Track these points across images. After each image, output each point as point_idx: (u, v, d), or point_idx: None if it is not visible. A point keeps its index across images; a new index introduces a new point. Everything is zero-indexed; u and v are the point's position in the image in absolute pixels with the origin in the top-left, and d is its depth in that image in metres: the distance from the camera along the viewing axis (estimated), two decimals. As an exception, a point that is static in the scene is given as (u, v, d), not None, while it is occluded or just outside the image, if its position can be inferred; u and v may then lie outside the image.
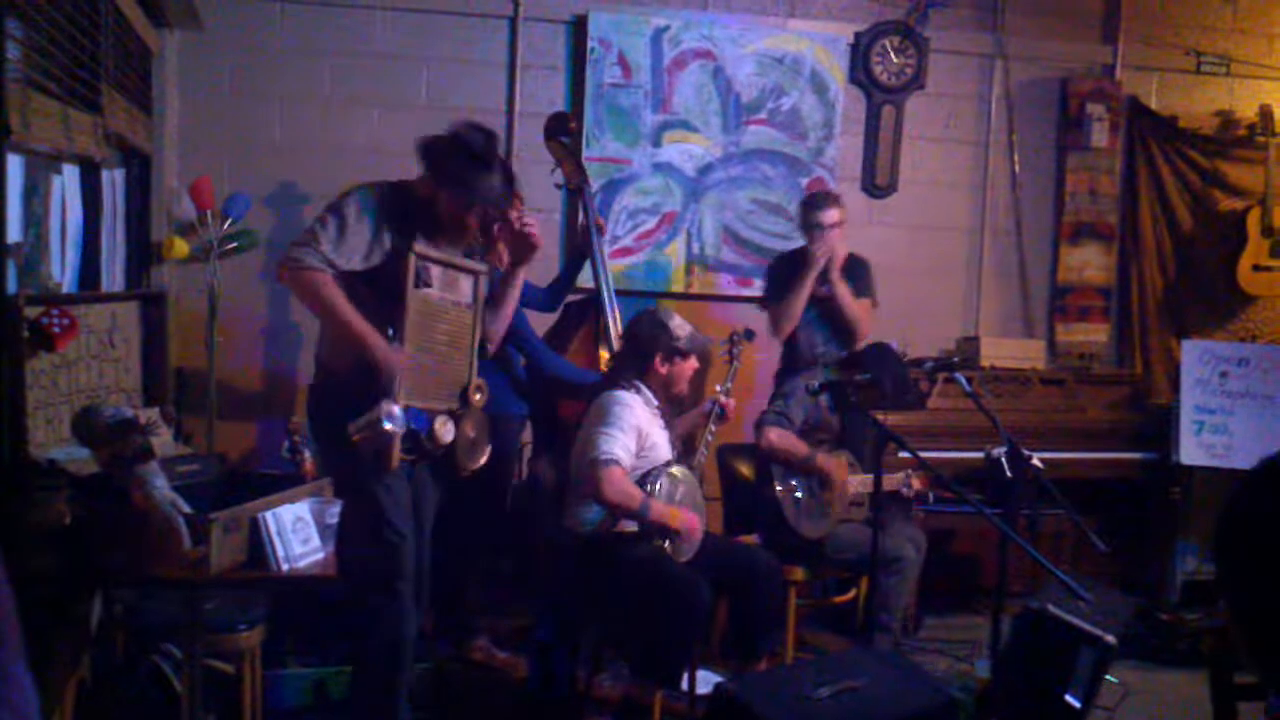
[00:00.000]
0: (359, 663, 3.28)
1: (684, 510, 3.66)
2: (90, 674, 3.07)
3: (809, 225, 4.64)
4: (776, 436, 4.16)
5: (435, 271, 3.19)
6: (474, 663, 4.28)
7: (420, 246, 3.11)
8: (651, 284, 5.41)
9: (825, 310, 4.65)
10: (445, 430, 3.18)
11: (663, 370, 3.76)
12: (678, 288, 5.44)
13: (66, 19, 3.34)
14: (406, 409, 3.06)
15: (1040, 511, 4.62)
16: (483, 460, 3.37)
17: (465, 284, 3.29)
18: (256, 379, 5.15)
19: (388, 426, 2.97)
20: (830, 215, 4.60)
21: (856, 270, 4.75)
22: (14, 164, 2.99)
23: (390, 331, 3.05)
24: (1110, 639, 3.15)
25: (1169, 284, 5.95)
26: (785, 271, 4.72)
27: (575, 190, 4.66)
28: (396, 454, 3.06)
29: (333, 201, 3.12)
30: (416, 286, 3.12)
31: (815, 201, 4.68)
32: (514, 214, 3.47)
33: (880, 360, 4.14)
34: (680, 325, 3.79)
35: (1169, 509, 5.20)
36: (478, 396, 3.30)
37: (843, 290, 4.62)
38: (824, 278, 4.60)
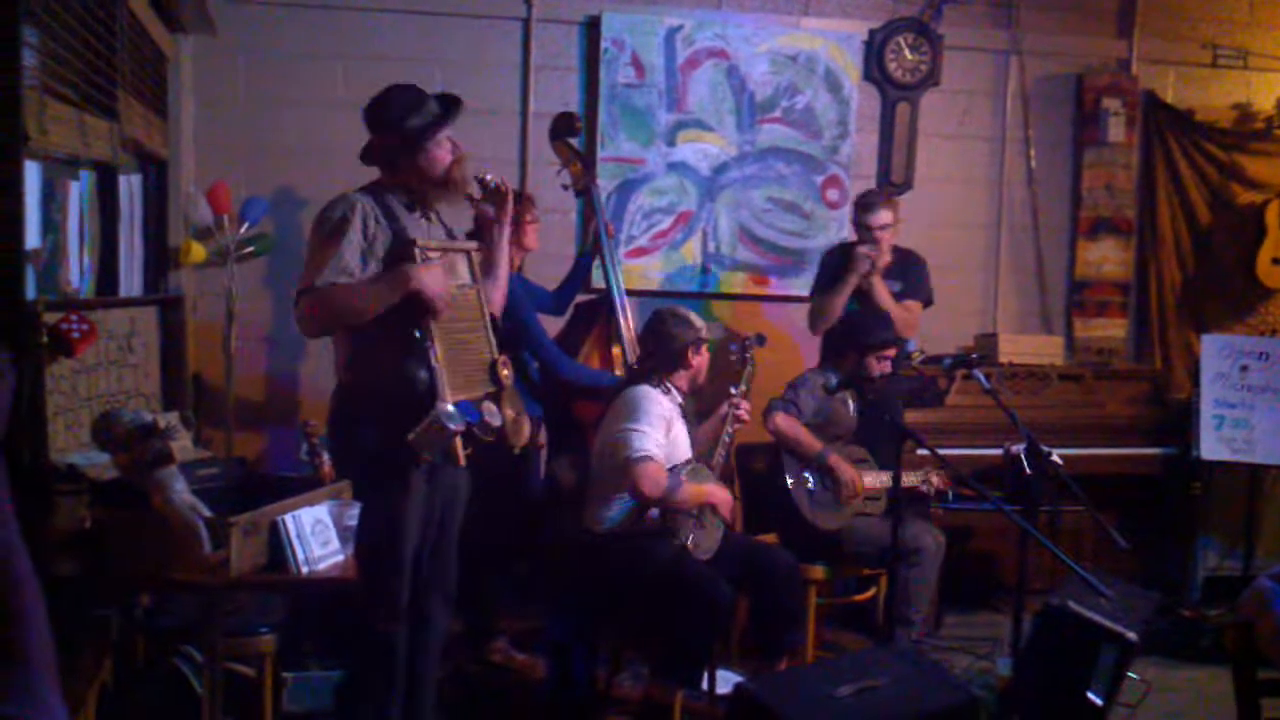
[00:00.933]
0: (348, 677, 3.26)
1: (710, 485, 3.69)
2: (111, 678, 3.08)
3: (859, 225, 4.63)
4: (782, 421, 4.18)
5: (438, 260, 3.16)
6: (493, 664, 4.28)
7: (420, 239, 3.08)
8: (668, 284, 5.40)
9: (868, 307, 4.61)
10: (493, 415, 3.15)
11: (695, 361, 3.83)
12: (694, 287, 5.44)
13: (82, 25, 3.36)
14: (458, 403, 3.02)
15: (1060, 508, 4.60)
16: (527, 435, 3.34)
17: (462, 264, 3.26)
18: (272, 382, 5.17)
19: (450, 426, 2.95)
20: (880, 218, 4.58)
21: (910, 268, 4.74)
22: (31, 170, 3.00)
23: (417, 334, 3.01)
24: (1132, 636, 3.14)
25: (1187, 278, 5.91)
26: (835, 264, 4.71)
27: (582, 191, 4.66)
28: (461, 452, 3.03)
29: (313, 225, 3.07)
30: None
31: (865, 202, 4.66)
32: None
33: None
34: (695, 317, 3.88)
35: (1190, 505, 5.17)
36: (505, 372, 3.25)
37: (882, 292, 4.60)
38: (866, 277, 4.58)
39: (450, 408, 2.97)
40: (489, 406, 3.14)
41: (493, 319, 3.30)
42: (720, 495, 3.73)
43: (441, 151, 3.13)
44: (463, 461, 3.04)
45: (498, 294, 3.41)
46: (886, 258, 4.61)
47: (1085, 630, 3.22)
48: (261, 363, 5.14)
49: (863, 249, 4.55)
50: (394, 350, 3.03)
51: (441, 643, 3.37)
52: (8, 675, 1.04)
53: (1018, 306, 5.85)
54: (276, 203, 5.04)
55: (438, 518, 3.23)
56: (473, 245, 3.32)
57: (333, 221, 3.01)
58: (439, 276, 3.02)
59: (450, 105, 3.19)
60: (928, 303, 4.77)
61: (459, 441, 3.01)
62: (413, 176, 3.15)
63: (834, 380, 4.06)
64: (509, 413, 3.24)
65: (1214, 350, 5.03)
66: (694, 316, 3.87)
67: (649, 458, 3.54)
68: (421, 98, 3.17)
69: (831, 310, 4.59)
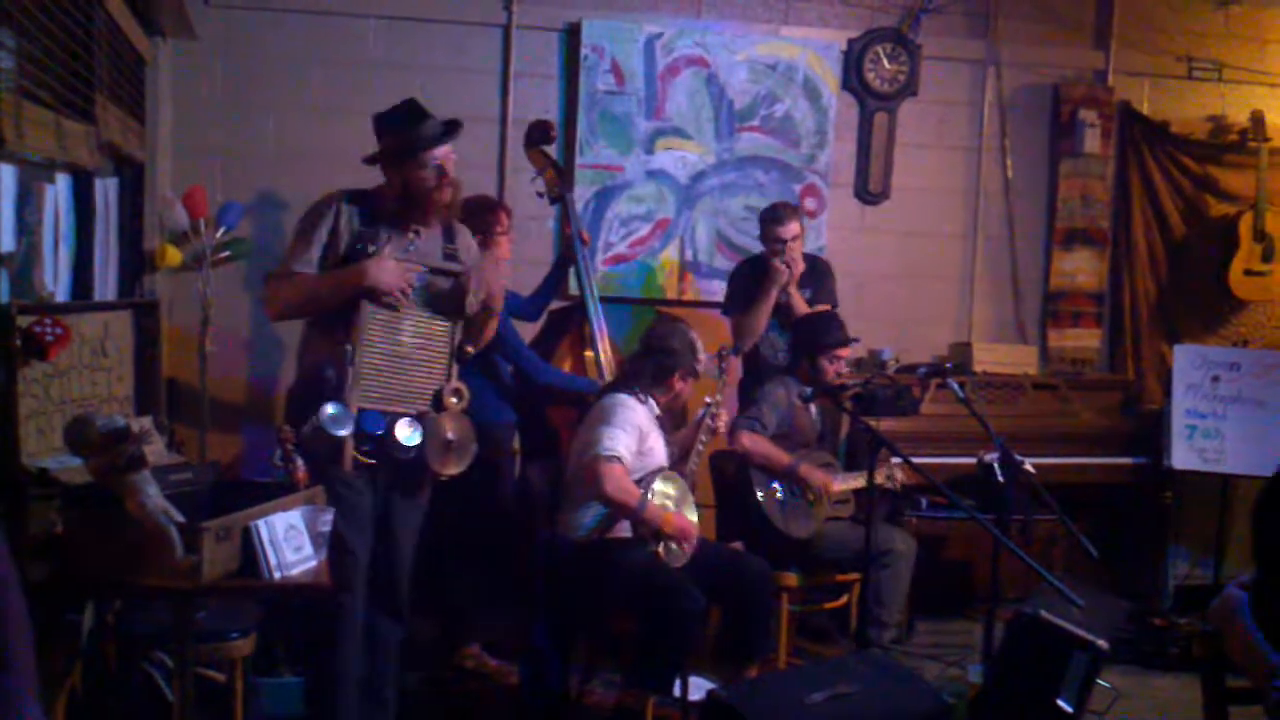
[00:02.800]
0: (307, 669, 3.35)
1: (679, 515, 3.68)
2: (81, 684, 3.06)
3: (769, 239, 4.65)
4: (749, 440, 4.18)
5: (390, 255, 3.19)
6: (465, 670, 4.28)
7: (388, 249, 3.13)
8: (645, 291, 5.42)
9: (784, 318, 4.67)
10: (407, 433, 3.18)
11: (678, 386, 3.85)
12: (671, 294, 5.45)
13: (59, 28, 3.34)
14: (361, 411, 3.09)
15: (1032, 517, 4.63)
16: (462, 466, 3.35)
17: (443, 286, 3.29)
18: (245, 387, 5.16)
19: (331, 430, 3.00)
20: (790, 229, 4.61)
21: (818, 275, 4.80)
22: (6, 173, 2.99)
23: (346, 344, 3.10)
24: (1102, 644, 3.17)
25: (1161, 289, 5.95)
26: (747, 280, 4.74)
27: (557, 199, 4.67)
28: (349, 456, 3.09)
29: (307, 212, 3.23)
30: None
31: (775, 215, 4.67)
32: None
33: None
34: (702, 349, 3.90)
35: (1161, 514, 5.22)
36: (453, 400, 3.29)
37: (799, 301, 4.65)
38: (783, 289, 4.62)
39: (333, 410, 3.01)
40: (407, 423, 3.17)
41: (460, 350, 3.33)
42: (683, 528, 3.68)
43: (424, 172, 3.19)
44: (348, 467, 3.10)
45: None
46: (801, 266, 4.65)
47: (1056, 638, 3.25)
48: (236, 367, 5.13)
49: (778, 262, 4.58)
50: (321, 349, 3.17)
51: (395, 651, 3.41)
52: None
53: (992, 316, 5.88)
54: (253, 207, 5.03)
55: (382, 523, 3.27)
56: (461, 268, 3.32)
57: (308, 215, 3.20)
58: (392, 269, 3.11)
59: (446, 128, 3.26)
60: (834, 307, 4.78)
61: (348, 447, 3.07)
62: (397, 187, 3.23)
63: (808, 391, 4.09)
64: (445, 436, 3.25)
65: (1186, 361, 5.08)
66: (700, 346, 3.88)
67: (616, 458, 3.55)
68: (422, 116, 3.24)
69: (756, 326, 4.63)
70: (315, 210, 3.20)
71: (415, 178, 3.19)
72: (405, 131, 3.20)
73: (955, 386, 4.08)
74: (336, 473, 3.09)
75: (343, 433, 3.05)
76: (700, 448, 4.00)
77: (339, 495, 3.08)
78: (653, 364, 3.83)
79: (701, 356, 3.87)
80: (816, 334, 4.36)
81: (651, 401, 3.82)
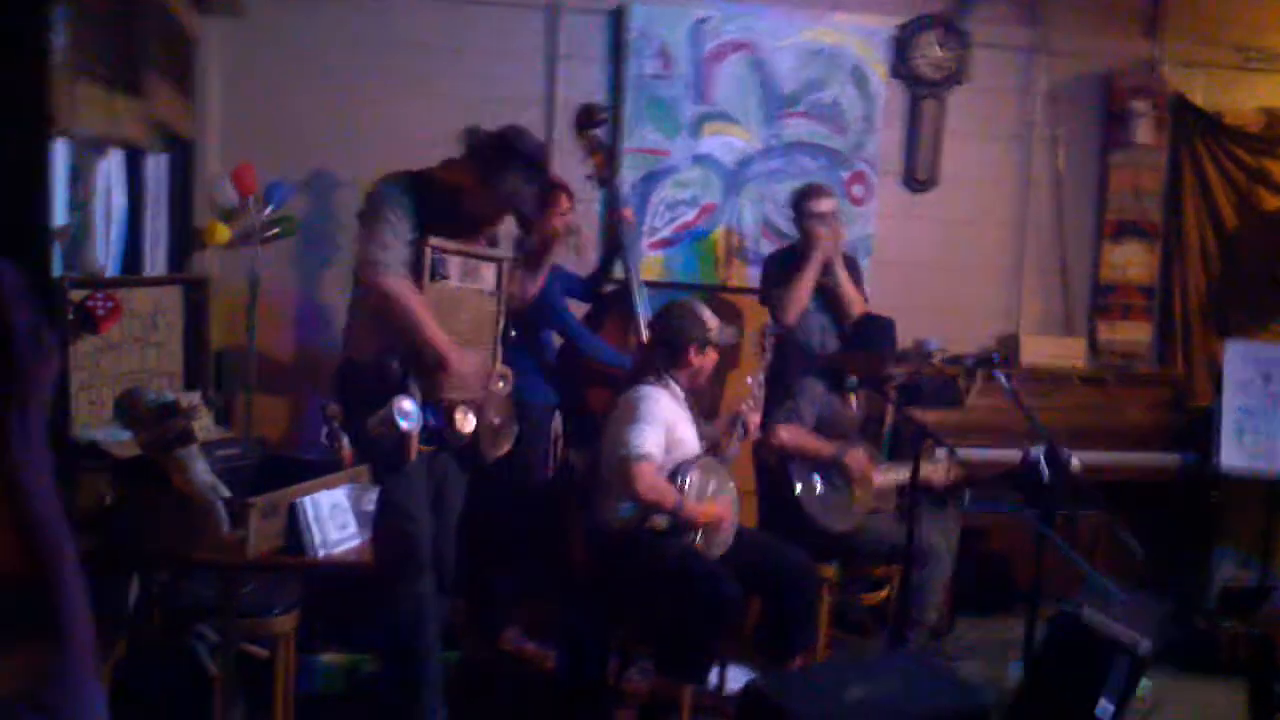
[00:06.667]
0: (384, 650, 3.33)
1: (714, 504, 3.66)
2: (126, 655, 3.10)
3: (807, 215, 4.63)
4: (787, 434, 4.13)
5: (454, 261, 3.22)
6: (504, 653, 4.29)
7: (436, 239, 3.14)
8: (690, 276, 5.39)
9: (825, 300, 4.64)
10: (467, 421, 3.20)
11: (695, 361, 3.76)
12: (716, 280, 5.43)
13: (112, 5, 3.36)
14: (424, 405, 3.11)
15: (1077, 513, 4.58)
16: (507, 447, 3.38)
17: (487, 272, 3.31)
18: (293, 363, 5.19)
19: (403, 425, 3.02)
20: (829, 203, 4.62)
21: (850, 266, 4.77)
22: (60, 149, 3.02)
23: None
24: (1145, 646, 3.13)
25: (1212, 284, 5.85)
26: (785, 263, 4.71)
27: (604, 182, 4.65)
28: (414, 449, 3.11)
29: (371, 198, 3.19)
30: (433, 279, 3.15)
31: (810, 192, 4.68)
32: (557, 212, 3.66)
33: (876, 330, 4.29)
34: (710, 316, 3.80)
35: (1208, 513, 5.13)
36: (500, 384, 3.31)
37: (847, 285, 4.62)
38: (827, 268, 4.59)
39: (408, 404, 3.04)
40: (465, 411, 3.19)
41: (503, 332, 3.35)
42: (718, 516, 3.66)
43: (498, 220, 3.32)
44: (412, 458, 3.13)
45: (530, 287, 3.62)
46: (844, 236, 4.66)
47: (1098, 638, 3.21)
48: (284, 344, 5.16)
49: (821, 229, 4.57)
50: (379, 336, 3.16)
51: (439, 624, 3.42)
52: (50, 658, 1.03)
53: (1040, 308, 5.81)
54: (302, 185, 5.05)
55: (433, 504, 3.32)
56: (505, 255, 3.35)
57: (394, 209, 3.14)
58: (473, 368, 3.21)
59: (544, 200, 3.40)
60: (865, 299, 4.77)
61: (414, 441, 3.09)
62: (470, 205, 3.24)
63: (853, 381, 4.05)
64: (492, 420, 3.29)
65: (1237, 357, 4.99)
66: (707, 314, 3.79)
67: (644, 457, 3.52)
68: (535, 172, 3.23)
69: (799, 297, 4.58)
70: (396, 198, 3.16)
71: (487, 215, 3.26)
72: (509, 182, 3.19)
73: (1003, 379, 4.04)
74: (400, 461, 3.11)
75: (415, 427, 3.07)
76: (735, 450, 3.96)
77: (402, 482, 3.12)
78: (663, 347, 3.79)
79: (711, 323, 3.77)
80: (881, 343, 4.28)
81: (674, 385, 3.77)
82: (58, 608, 1.05)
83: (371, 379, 3.12)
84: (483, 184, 3.18)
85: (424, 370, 3.12)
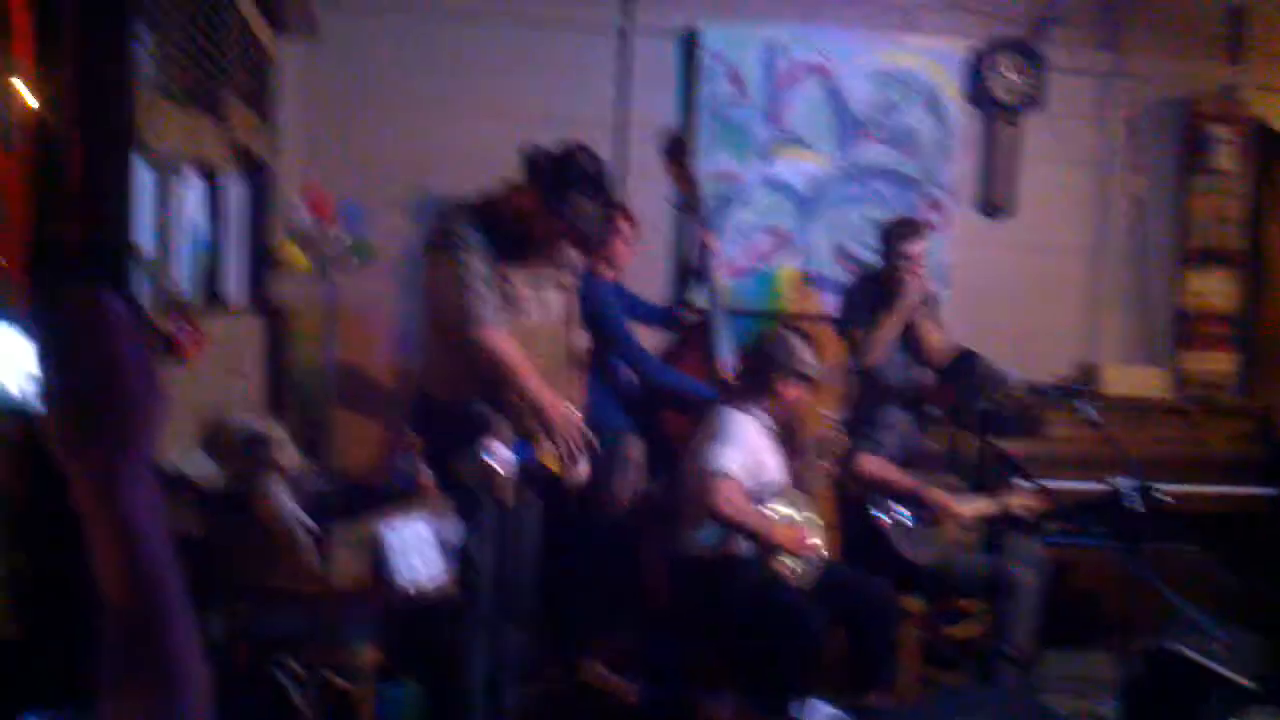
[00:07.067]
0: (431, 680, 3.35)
1: (796, 528, 3.60)
2: (211, 685, 3.08)
3: (899, 255, 4.47)
4: (874, 465, 4.06)
5: (526, 294, 3.17)
6: (585, 685, 4.23)
7: (512, 274, 3.11)
8: (762, 302, 5.33)
9: (905, 337, 4.52)
10: (550, 457, 3.18)
11: (783, 391, 3.70)
12: (789, 306, 5.35)
13: (193, 25, 3.37)
14: (513, 444, 3.09)
15: (1164, 546, 4.44)
16: (585, 472, 3.34)
17: (554, 299, 3.27)
18: (374, 386, 5.16)
19: (498, 468, 2.99)
20: (919, 246, 4.46)
21: (930, 301, 4.65)
22: (142, 171, 3.02)
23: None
24: (1245, 683, 3.03)
25: (1296, 312, 5.71)
26: (868, 297, 4.59)
27: (693, 209, 4.58)
28: (509, 490, 3.09)
29: (445, 236, 3.12)
30: (515, 317, 3.12)
31: (905, 231, 4.50)
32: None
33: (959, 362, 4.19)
34: (804, 349, 3.73)
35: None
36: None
37: (932, 333, 4.50)
38: (916, 309, 4.49)
39: (501, 448, 3.01)
40: (548, 448, 3.16)
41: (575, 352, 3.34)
42: (797, 537, 3.61)
43: (565, 242, 3.24)
44: (507, 498, 3.10)
45: None
46: (930, 287, 4.52)
47: (1196, 675, 3.11)
48: (365, 367, 5.13)
49: (911, 277, 4.42)
50: (470, 382, 3.11)
51: (516, 660, 3.38)
52: (161, 702, 1.00)
53: (1118, 336, 5.69)
54: (377, 210, 5.05)
55: (510, 533, 3.28)
56: (569, 279, 3.34)
57: (474, 252, 3.08)
58: (568, 419, 3.20)
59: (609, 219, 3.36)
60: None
61: (506, 481, 3.07)
62: (536, 229, 3.18)
63: (935, 412, 3.97)
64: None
65: (1325, 388, 4.86)
66: (803, 347, 3.73)
67: (725, 474, 3.47)
68: (599, 191, 3.16)
69: (886, 339, 4.45)
70: (473, 239, 3.10)
71: (553, 238, 3.20)
72: (573, 203, 3.13)
73: (1089, 410, 3.94)
74: (486, 496, 3.09)
75: (504, 469, 3.06)
76: (817, 480, 3.90)
77: (480, 513, 3.10)
78: (751, 375, 3.74)
79: (805, 357, 3.71)
80: (980, 381, 4.20)
81: (762, 415, 3.73)
82: (170, 651, 1.02)
83: (457, 419, 3.08)
84: (544, 205, 3.11)
85: (513, 412, 3.09)
